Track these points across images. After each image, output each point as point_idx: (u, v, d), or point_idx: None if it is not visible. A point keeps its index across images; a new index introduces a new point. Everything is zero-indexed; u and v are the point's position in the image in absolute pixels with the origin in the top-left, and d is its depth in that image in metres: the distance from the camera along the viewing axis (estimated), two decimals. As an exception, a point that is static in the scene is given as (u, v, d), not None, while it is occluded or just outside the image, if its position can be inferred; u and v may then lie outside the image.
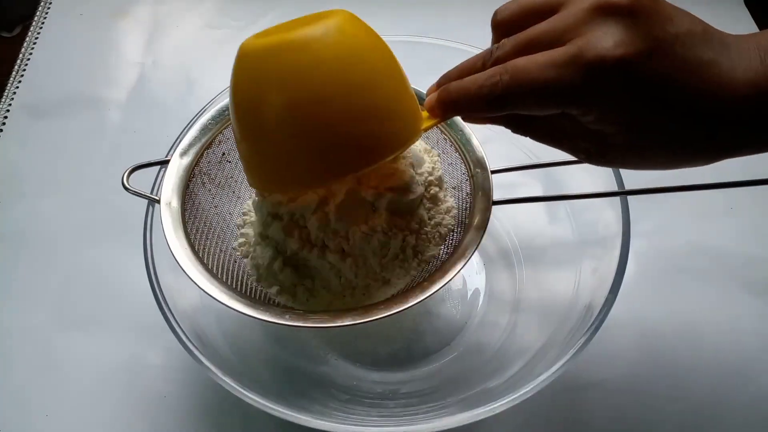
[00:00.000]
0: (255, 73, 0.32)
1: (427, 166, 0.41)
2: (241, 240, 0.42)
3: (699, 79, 0.27)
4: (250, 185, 0.37)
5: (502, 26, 0.31)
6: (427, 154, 0.42)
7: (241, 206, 0.44)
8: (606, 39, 0.26)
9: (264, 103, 0.32)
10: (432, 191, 0.41)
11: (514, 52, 0.30)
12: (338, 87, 0.31)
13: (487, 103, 0.30)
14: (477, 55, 0.32)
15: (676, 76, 0.27)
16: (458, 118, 0.43)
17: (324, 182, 0.35)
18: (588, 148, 0.31)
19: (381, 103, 0.32)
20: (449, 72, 0.33)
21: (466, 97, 0.30)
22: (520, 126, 0.33)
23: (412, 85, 0.35)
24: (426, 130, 0.34)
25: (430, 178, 0.41)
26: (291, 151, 0.32)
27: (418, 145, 0.43)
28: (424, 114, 0.34)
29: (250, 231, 0.42)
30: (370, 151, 0.32)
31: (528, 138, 0.34)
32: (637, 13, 0.27)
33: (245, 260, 0.41)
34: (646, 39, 0.26)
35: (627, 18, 0.27)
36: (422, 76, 0.38)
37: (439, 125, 0.43)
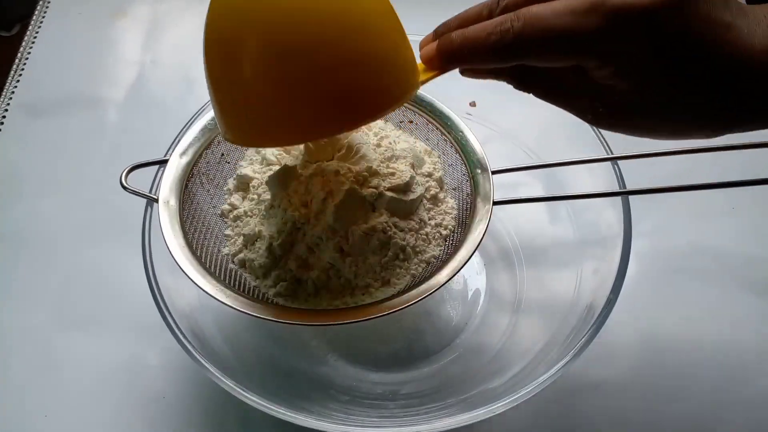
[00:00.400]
0: (238, 9, 0.28)
1: (427, 167, 0.41)
2: (233, 233, 0.41)
3: (721, 40, 0.26)
4: (224, 137, 0.33)
5: None
6: (428, 156, 0.42)
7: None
8: None
9: (247, 42, 0.28)
10: (432, 192, 0.40)
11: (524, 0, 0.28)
12: (332, 29, 0.27)
13: (495, 51, 0.28)
14: (481, 4, 0.30)
15: (701, 33, 0.26)
16: (457, 118, 0.43)
17: (310, 138, 0.32)
18: (596, 108, 0.30)
19: (378, 51, 0.29)
20: (449, 21, 0.31)
21: (472, 46, 0.28)
22: (524, 80, 0.31)
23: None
24: (424, 82, 0.31)
25: (431, 179, 0.41)
26: (276, 100, 0.29)
27: (419, 146, 0.42)
28: (420, 67, 0.31)
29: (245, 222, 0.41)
30: (363, 104, 0.29)
31: (531, 94, 0.32)
32: None
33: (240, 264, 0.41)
34: None
35: None
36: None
37: (441, 128, 0.43)
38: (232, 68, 0.29)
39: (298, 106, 0.28)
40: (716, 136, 0.29)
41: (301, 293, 0.38)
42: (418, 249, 0.39)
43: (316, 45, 0.27)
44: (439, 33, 0.31)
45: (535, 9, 0.27)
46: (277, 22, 0.27)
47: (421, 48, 0.31)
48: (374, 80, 0.29)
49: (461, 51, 0.29)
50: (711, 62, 0.27)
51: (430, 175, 0.41)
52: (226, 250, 0.40)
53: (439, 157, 0.43)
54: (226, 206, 0.42)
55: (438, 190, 0.41)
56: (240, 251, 0.40)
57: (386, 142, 0.41)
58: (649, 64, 0.27)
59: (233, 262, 0.40)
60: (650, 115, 0.29)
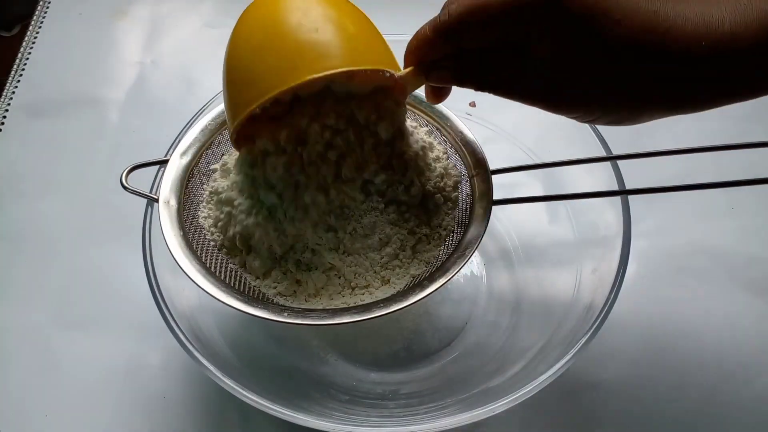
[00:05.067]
0: (245, 21, 0.35)
1: (439, 171, 0.41)
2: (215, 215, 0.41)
3: (652, 18, 0.27)
4: (233, 120, 0.36)
5: None
6: (438, 163, 0.42)
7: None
8: None
9: (248, 34, 0.35)
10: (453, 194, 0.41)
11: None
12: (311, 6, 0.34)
13: (442, 34, 0.31)
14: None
15: (629, 8, 0.27)
16: (456, 119, 0.43)
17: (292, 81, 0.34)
18: (534, 88, 0.31)
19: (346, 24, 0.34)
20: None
21: (424, 38, 0.31)
22: (484, 82, 0.33)
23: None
24: (402, 74, 0.34)
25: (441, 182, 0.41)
26: (263, 57, 0.34)
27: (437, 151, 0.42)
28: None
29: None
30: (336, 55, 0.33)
31: (493, 95, 0.33)
32: None
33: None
34: None
35: None
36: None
37: (441, 128, 0.43)
38: (242, 58, 0.35)
39: (283, 56, 0.33)
40: (669, 114, 0.29)
41: (301, 293, 0.38)
42: (417, 249, 0.39)
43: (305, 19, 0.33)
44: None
45: None
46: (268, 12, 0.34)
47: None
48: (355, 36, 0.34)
49: (419, 47, 0.32)
50: (645, 36, 0.27)
51: (442, 178, 0.41)
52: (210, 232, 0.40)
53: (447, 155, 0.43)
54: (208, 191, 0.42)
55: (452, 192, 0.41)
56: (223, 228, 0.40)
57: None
58: (567, 42, 0.28)
59: (224, 247, 0.40)
60: (592, 91, 0.30)
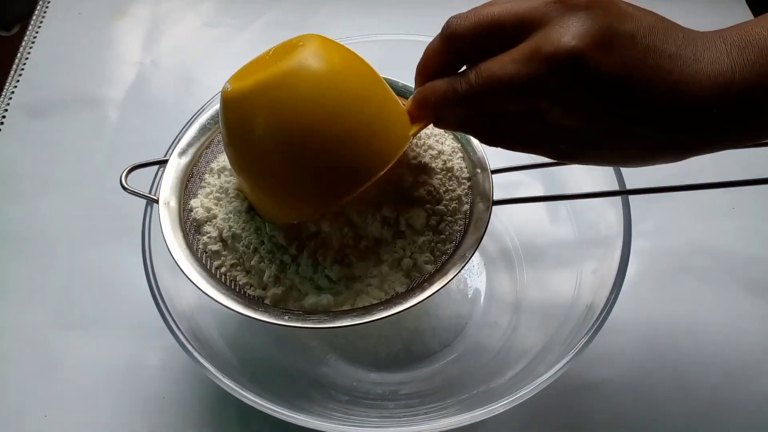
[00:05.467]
0: (239, 119, 0.33)
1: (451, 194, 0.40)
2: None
3: (658, 77, 0.27)
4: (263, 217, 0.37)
5: (455, 40, 0.31)
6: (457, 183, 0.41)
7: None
8: (561, 32, 0.27)
9: (252, 144, 0.33)
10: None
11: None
12: (317, 116, 0.31)
13: (460, 101, 0.30)
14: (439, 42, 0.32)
15: (632, 72, 0.27)
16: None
17: (321, 209, 0.35)
18: (556, 148, 0.32)
19: (362, 125, 0.32)
20: (419, 63, 0.34)
21: (442, 98, 0.31)
22: (490, 137, 0.33)
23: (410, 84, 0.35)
24: (414, 134, 0.34)
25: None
26: (284, 184, 0.33)
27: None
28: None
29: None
30: (357, 172, 0.32)
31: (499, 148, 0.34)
32: (595, 7, 0.27)
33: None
34: (601, 32, 0.27)
35: (584, 11, 0.27)
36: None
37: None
38: (254, 170, 0.34)
39: (308, 185, 0.33)
40: (682, 159, 0.30)
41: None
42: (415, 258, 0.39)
43: (318, 140, 0.31)
44: (417, 83, 0.34)
45: (486, 64, 0.29)
46: (276, 126, 0.32)
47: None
48: (366, 148, 0.32)
49: (435, 104, 0.32)
50: (650, 101, 0.27)
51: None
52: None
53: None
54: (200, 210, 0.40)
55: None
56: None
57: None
58: (590, 104, 0.28)
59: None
60: (607, 149, 0.30)
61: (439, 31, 0.31)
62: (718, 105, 0.27)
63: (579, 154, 0.31)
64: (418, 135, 0.38)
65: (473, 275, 0.52)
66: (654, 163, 0.30)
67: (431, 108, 0.32)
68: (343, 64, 0.33)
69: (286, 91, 0.31)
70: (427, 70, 0.32)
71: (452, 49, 0.31)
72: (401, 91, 0.43)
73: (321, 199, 0.33)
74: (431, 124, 0.34)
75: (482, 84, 0.29)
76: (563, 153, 0.32)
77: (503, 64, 0.28)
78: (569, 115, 0.29)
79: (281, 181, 0.33)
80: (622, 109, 0.28)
